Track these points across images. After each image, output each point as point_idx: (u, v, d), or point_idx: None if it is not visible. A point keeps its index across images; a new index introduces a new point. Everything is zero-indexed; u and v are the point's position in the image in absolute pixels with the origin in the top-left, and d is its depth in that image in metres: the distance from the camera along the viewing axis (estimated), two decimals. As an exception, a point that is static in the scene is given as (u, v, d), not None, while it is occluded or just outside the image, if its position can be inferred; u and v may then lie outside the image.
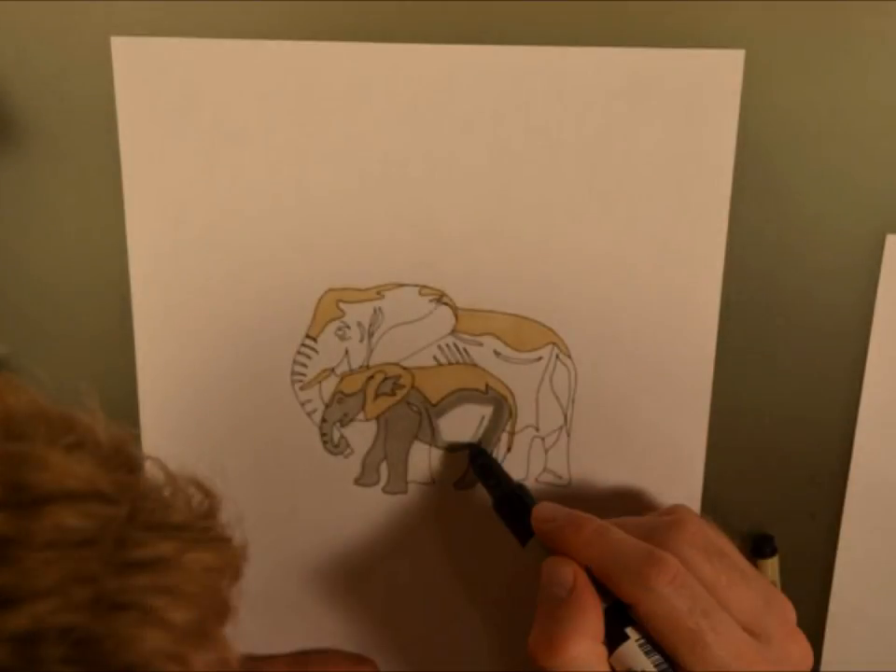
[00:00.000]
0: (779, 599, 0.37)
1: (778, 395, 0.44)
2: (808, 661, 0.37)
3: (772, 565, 0.45)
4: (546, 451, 0.44)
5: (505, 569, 0.46)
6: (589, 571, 0.37)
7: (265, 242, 0.42)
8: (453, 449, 0.44)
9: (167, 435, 0.44)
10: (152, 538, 0.25)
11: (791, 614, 0.37)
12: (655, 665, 0.35)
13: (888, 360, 0.43)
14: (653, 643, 0.35)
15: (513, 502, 0.42)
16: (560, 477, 0.44)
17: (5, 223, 0.42)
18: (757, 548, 0.45)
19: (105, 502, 0.25)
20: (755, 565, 0.45)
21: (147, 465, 0.29)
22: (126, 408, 0.44)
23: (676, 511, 0.39)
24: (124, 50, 0.39)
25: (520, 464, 0.45)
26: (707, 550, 0.37)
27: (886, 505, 0.45)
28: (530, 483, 0.45)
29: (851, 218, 0.42)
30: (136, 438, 0.29)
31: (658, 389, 0.43)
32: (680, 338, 0.43)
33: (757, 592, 0.37)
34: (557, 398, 0.44)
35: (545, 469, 0.45)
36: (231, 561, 0.28)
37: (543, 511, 0.39)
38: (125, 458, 0.28)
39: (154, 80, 0.40)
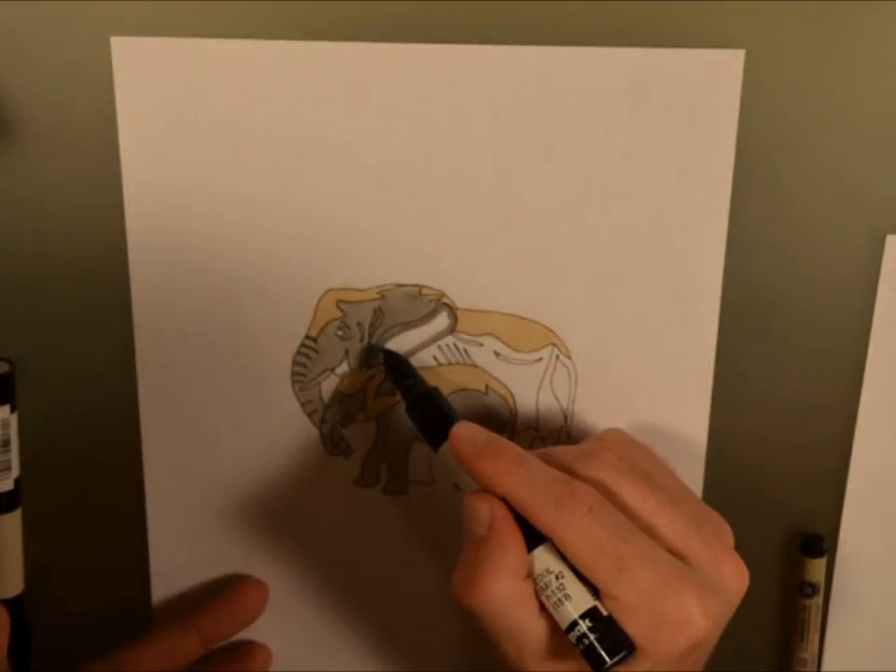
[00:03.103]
0: (713, 521, 0.37)
1: (778, 395, 0.44)
2: (742, 581, 0.36)
3: (819, 565, 0.45)
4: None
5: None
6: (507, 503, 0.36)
7: (265, 242, 0.42)
8: (369, 361, 0.43)
9: (167, 435, 0.44)
10: None
11: (728, 537, 0.37)
12: (572, 570, 0.34)
13: (888, 360, 0.43)
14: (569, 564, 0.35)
15: (428, 405, 0.41)
16: (560, 477, 0.44)
17: (4, 223, 0.42)
18: (807, 546, 0.45)
19: None
20: (804, 564, 0.45)
21: None
22: (126, 408, 0.44)
23: (604, 437, 0.39)
24: (124, 50, 0.39)
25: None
26: (633, 474, 0.36)
27: (886, 505, 0.45)
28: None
29: (851, 219, 0.42)
30: None
31: (658, 389, 0.43)
32: (680, 338, 0.43)
33: (686, 515, 0.36)
34: (557, 398, 0.44)
35: (545, 470, 0.44)
36: None
37: (465, 430, 0.38)
38: None
39: (154, 80, 0.40)
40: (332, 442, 0.44)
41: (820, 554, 0.45)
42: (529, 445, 0.44)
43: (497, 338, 0.43)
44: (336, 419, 0.44)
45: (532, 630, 0.35)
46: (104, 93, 0.40)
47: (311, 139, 0.40)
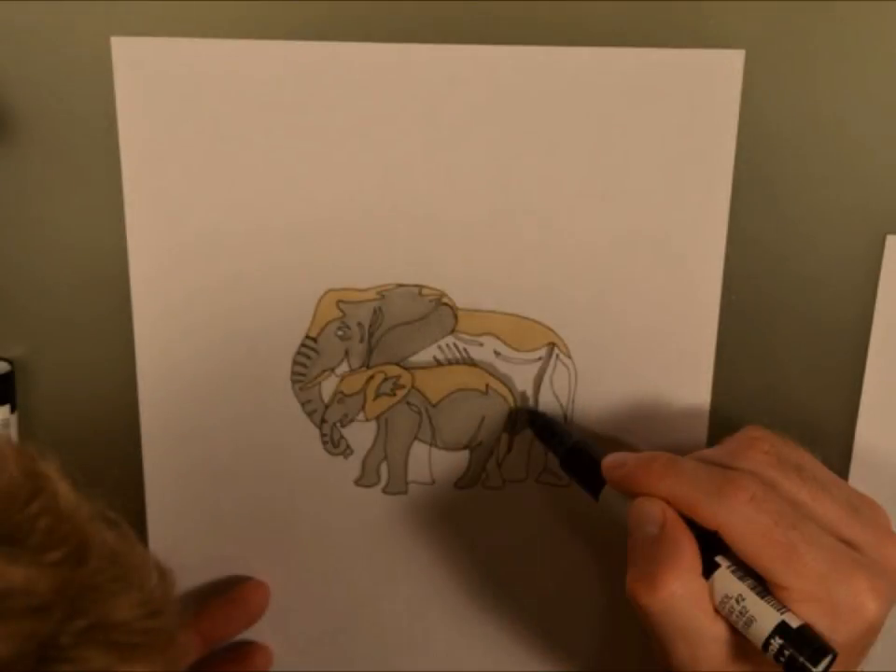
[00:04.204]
0: (868, 505, 0.37)
1: (778, 395, 0.44)
2: None
3: None
4: (546, 451, 0.44)
5: (506, 569, 0.46)
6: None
7: (265, 242, 0.42)
8: (514, 427, 0.44)
9: (167, 435, 0.44)
10: (83, 649, 0.23)
11: (885, 519, 0.36)
12: (751, 588, 0.34)
13: (888, 360, 0.43)
14: (745, 568, 0.34)
15: (580, 456, 0.41)
16: (560, 477, 0.44)
17: (4, 223, 0.42)
18: None
19: (34, 614, 0.23)
20: None
21: (105, 535, 0.26)
22: (126, 408, 0.44)
23: (746, 433, 0.38)
24: (124, 50, 0.39)
25: (520, 464, 0.45)
26: (784, 467, 0.36)
27: (886, 505, 0.45)
28: (530, 483, 0.45)
29: (851, 219, 0.42)
30: (98, 511, 0.27)
31: (658, 389, 0.43)
32: (680, 338, 0.43)
33: (842, 502, 0.36)
34: (557, 398, 0.44)
35: (545, 470, 0.45)
36: (170, 666, 0.26)
37: (613, 459, 0.38)
38: (77, 541, 0.25)
39: (154, 80, 0.40)
40: (332, 442, 0.44)
41: None
42: (529, 445, 0.44)
43: (497, 338, 0.43)
44: (336, 419, 0.44)
45: (709, 630, 0.35)
46: (104, 93, 0.40)
47: (311, 139, 0.40)
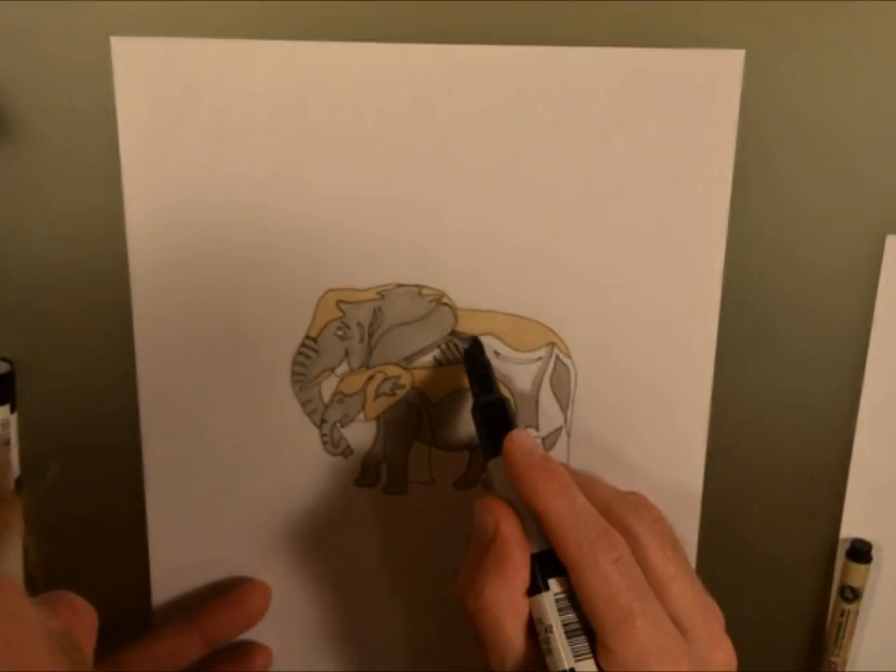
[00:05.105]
0: (714, 606, 0.37)
1: (778, 395, 0.44)
2: (731, 668, 0.37)
3: (865, 570, 0.45)
4: (546, 451, 0.44)
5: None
6: (533, 518, 0.37)
7: (265, 242, 0.42)
8: (459, 343, 0.43)
9: (167, 435, 0.44)
10: None
11: (722, 624, 0.37)
12: (564, 625, 0.35)
13: (888, 360, 0.43)
14: (574, 602, 0.35)
15: (496, 413, 0.40)
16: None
17: (4, 222, 0.42)
18: (854, 552, 0.45)
19: None
20: (848, 569, 0.45)
21: None
22: (126, 408, 0.44)
23: (639, 495, 0.39)
24: (124, 50, 0.39)
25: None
26: (663, 538, 0.37)
27: (886, 505, 0.45)
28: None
29: (851, 218, 0.42)
30: None
31: (658, 389, 0.43)
32: (680, 338, 0.43)
33: (697, 592, 0.37)
34: (557, 398, 0.44)
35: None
36: None
37: (523, 441, 0.38)
38: None
39: (154, 80, 0.40)
40: (332, 442, 0.44)
41: (867, 560, 0.45)
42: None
43: (497, 337, 0.43)
44: (336, 419, 0.44)
45: (520, 645, 0.36)
46: (104, 93, 0.40)
47: (311, 139, 0.40)
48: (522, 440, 0.38)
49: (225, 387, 0.43)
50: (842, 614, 0.46)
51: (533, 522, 0.37)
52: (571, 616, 0.36)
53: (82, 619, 0.34)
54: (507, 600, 0.36)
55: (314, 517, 0.45)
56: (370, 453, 0.45)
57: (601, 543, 0.35)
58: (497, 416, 0.40)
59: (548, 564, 0.36)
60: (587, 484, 0.38)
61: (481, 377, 0.42)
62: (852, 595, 0.45)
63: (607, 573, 0.35)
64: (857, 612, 0.45)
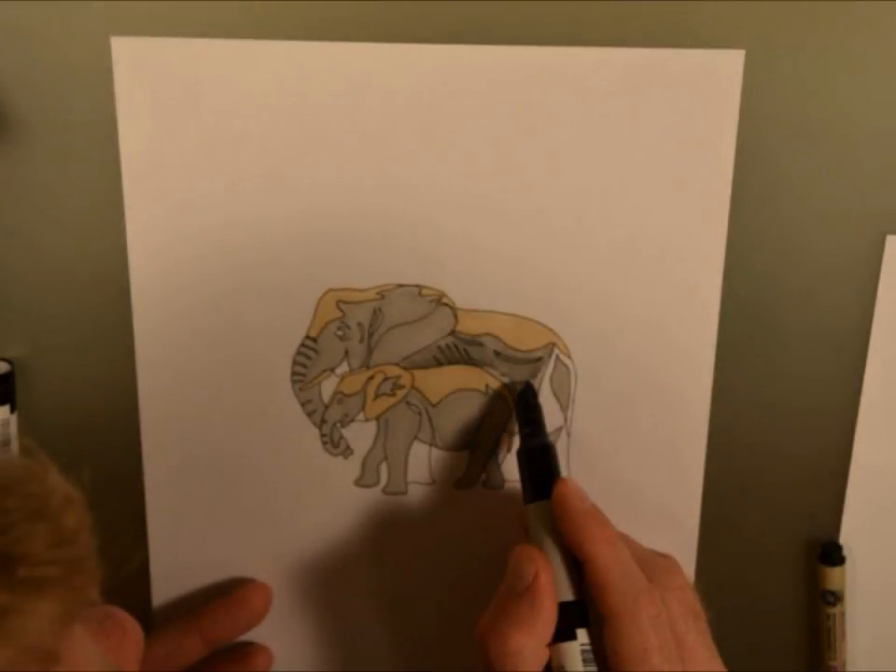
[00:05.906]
0: None
1: (778, 395, 0.44)
2: None
3: (840, 573, 0.45)
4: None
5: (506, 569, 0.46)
6: (578, 566, 0.37)
7: (265, 242, 0.42)
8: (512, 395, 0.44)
9: (167, 435, 0.44)
10: None
11: None
12: None
13: (888, 360, 0.43)
14: (599, 654, 0.36)
15: (542, 458, 0.41)
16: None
17: (4, 222, 0.42)
18: (826, 555, 0.45)
19: None
20: (823, 573, 0.45)
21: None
22: (126, 407, 0.44)
23: (669, 559, 0.40)
24: (124, 50, 0.39)
25: (520, 464, 0.45)
26: (688, 607, 0.38)
27: (886, 505, 0.45)
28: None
29: (851, 218, 0.42)
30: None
31: (658, 389, 0.43)
32: (681, 337, 0.43)
33: (713, 665, 0.38)
34: (557, 398, 0.44)
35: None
36: (76, 595, 0.24)
37: (576, 488, 0.39)
38: None
39: (154, 80, 0.40)
40: (332, 442, 0.44)
41: (840, 563, 0.45)
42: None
43: (497, 337, 0.43)
44: (336, 419, 0.44)
45: None
46: (104, 93, 0.40)
47: (311, 139, 0.40)
48: (575, 486, 0.39)
49: (225, 388, 0.43)
50: (828, 618, 0.46)
51: (563, 572, 0.38)
52: (593, 669, 0.36)
53: (130, 638, 0.34)
54: (532, 648, 0.37)
55: (314, 517, 0.45)
56: (370, 453, 0.45)
57: (645, 598, 0.36)
58: (543, 462, 0.41)
59: (575, 614, 0.37)
60: (624, 539, 0.39)
61: (531, 420, 0.42)
62: (833, 598, 0.45)
63: (645, 628, 0.35)
64: (843, 614, 0.46)
